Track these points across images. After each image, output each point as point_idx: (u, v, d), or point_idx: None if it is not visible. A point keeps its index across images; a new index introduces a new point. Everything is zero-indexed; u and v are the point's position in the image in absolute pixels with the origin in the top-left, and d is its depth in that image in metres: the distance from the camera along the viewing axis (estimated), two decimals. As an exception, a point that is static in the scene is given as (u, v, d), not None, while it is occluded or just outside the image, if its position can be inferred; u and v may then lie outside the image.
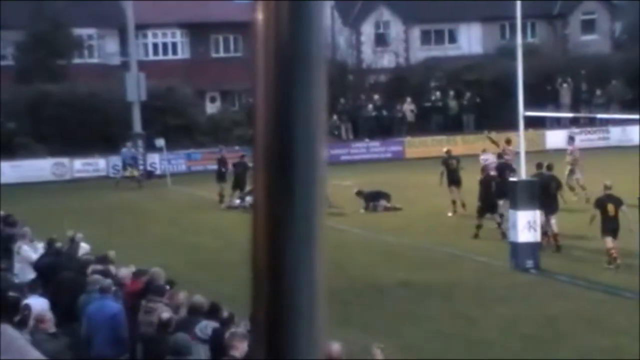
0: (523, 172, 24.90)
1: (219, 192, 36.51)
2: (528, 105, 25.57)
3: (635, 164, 31.25)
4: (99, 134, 48.38)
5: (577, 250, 25.44)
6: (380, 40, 61.39)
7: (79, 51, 55.89)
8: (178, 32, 58.82)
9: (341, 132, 53.15)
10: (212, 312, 13.67)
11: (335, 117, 51.78)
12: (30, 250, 19.91)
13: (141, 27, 53.92)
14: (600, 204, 23.37)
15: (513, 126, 27.25)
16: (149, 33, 57.95)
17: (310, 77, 1.85)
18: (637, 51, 55.51)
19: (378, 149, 51.80)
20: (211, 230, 30.98)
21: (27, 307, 13.60)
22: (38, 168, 47.02)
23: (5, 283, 16.86)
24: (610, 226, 22.98)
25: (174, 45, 59.00)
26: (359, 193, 34.02)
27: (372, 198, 33.74)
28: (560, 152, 36.69)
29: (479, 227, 27.48)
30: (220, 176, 37.05)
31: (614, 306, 20.12)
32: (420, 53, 61.10)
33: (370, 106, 54.72)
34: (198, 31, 58.27)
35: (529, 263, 23.47)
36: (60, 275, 16.82)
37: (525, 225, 23.43)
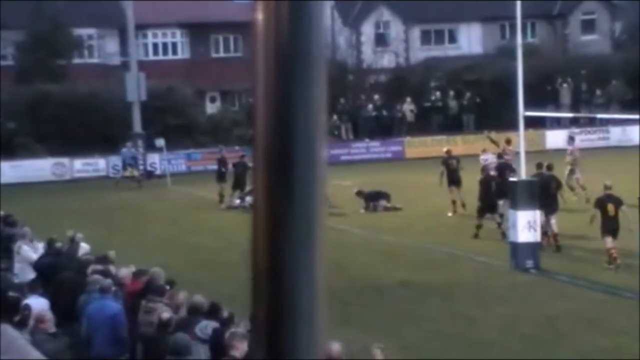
0: (523, 172, 24.90)
1: (219, 192, 36.52)
2: (528, 105, 25.57)
3: (635, 164, 31.25)
4: (99, 134, 48.38)
5: (578, 250, 25.44)
6: (380, 40, 61.39)
7: (79, 51, 55.89)
8: (178, 32, 58.81)
9: (341, 132, 53.14)
10: (212, 312, 13.67)
11: (335, 117, 51.78)
12: (31, 250, 19.90)
13: (141, 27, 53.92)
14: (601, 204, 23.37)
15: (513, 126, 27.25)
16: (149, 33, 57.95)
17: (310, 77, 1.84)
18: (637, 51, 55.50)
19: (378, 149, 51.79)
20: (211, 231, 30.98)
21: (27, 307, 13.60)
22: (38, 168, 47.01)
23: (5, 283, 16.86)
24: (611, 226, 22.98)
25: (174, 45, 59.00)
26: (359, 193, 34.02)
27: (372, 198, 33.74)
28: (560, 152, 36.68)
29: (478, 227, 27.48)
30: (220, 176, 37.06)
31: (614, 306, 20.12)
32: (420, 53, 61.11)
33: (370, 106, 54.71)
34: (198, 31, 58.26)
35: (529, 263, 23.46)
36: (60, 275, 16.81)
37: (525, 225, 23.43)
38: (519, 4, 25.04)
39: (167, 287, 15.20)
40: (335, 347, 11.07)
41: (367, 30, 61.41)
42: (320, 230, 1.86)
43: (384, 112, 54.52)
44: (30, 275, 18.20)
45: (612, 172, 29.35)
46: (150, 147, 47.05)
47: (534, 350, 17.29)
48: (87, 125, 48.54)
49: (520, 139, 25.17)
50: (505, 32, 60.48)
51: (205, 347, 12.69)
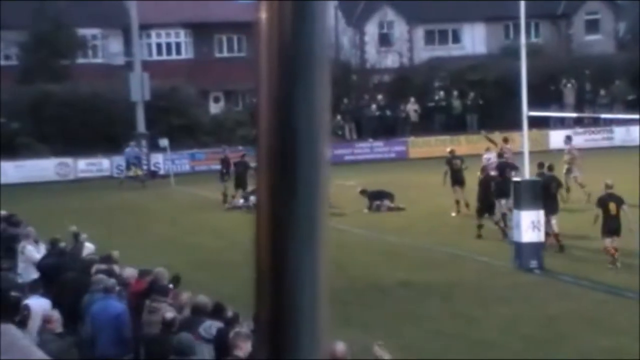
0: (527, 172, 24.87)
1: (222, 192, 36.54)
2: (532, 105, 25.55)
3: (638, 164, 31.22)
4: (103, 134, 48.41)
5: (581, 250, 25.41)
6: (384, 40, 61.39)
7: (83, 51, 55.97)
8: (182, 32, 58.85)
9: (345, 132, 53.14)
10: (216, 312, 13.67)
11: (338, 117, 51.77)
12: (34, 250, 19.90)
13: (145, 27, 53.96)
14: (602, 202, 23.36)
15: (517, 126, 27.24)
16: (153, 33, 58.00)
17: (314, 77, 1.84)
18: (641, 51, 55.51)
19: (382, 149, 51.79)
20: (214, 230, 30.98)
21: (27, 308, 13.58)
22: (42, 168, 47.05)
23: (6, 283, 16.84)
24: (612, 225, 22.97)
25: (178, 45, 59.04)
26: (363, 192, 34.04)
27: (375, 197, 33.75)
28: (563, 152, 36.65)
29: (480, 227, 27.48)
30: (224, 176, 37.07)
31: (615, 306, 20.10)
32: (424, 53, 61.11)
33: (374, 106, 54.71)
34: (201, 31, 58.30)
35: (533, 263, 23.43)
36: (64, 275, 16.81)
37: (529, 225, 23.40)
38: (522, 4, 25.01)
39: (172, 284, 15.25)
40: (340, 346, 11.05)
41: (371, 30, 61.41)
42: (323, 230, 1.86)
43: (388, 112, 54.53)
44: (34, 275, 18.21)
45: (616, 172, 29.30)
46: (154, 147, 47.07)
47: (535, 351, 17.27)
48: (90, 125, 48.58)
49: (524, 138, 25.14)
50: (509, 32, 60.44)
51: (210, 347, 12.69)
